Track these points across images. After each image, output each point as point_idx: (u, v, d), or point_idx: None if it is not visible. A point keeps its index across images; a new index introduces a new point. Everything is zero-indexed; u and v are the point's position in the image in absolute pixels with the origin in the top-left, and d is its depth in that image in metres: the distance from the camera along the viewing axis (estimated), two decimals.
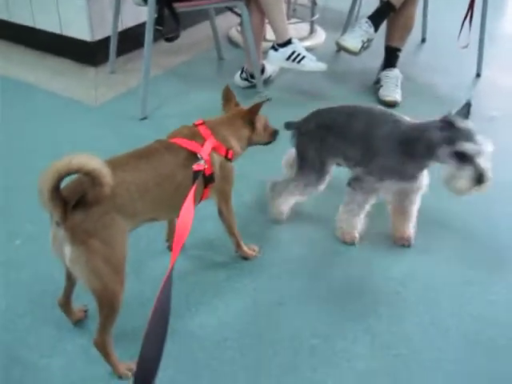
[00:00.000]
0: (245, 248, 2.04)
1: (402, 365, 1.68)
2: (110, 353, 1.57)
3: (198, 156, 1.66)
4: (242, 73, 3.22)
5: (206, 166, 1.66)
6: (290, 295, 1.91)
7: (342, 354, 1.70)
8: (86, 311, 1.81)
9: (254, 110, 1.89)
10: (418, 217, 2.15)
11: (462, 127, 1.78)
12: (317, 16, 3.94)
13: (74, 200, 1.39)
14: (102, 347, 1.55)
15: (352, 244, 2.12)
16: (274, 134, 2.04)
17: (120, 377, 1.60)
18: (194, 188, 1.52)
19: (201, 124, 1.79)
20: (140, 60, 3.39)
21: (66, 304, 1.73)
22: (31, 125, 2.88)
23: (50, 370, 1.65)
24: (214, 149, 1.74)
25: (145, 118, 2.92)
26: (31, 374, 1.63)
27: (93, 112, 3.01)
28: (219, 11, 3.81)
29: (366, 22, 2.97)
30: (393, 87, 3.13)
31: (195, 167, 1.63)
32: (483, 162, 1.77)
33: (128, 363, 1.60)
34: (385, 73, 3.19)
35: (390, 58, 3.21)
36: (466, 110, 1.88)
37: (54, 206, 1.35)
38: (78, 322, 1.78)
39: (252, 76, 3.16)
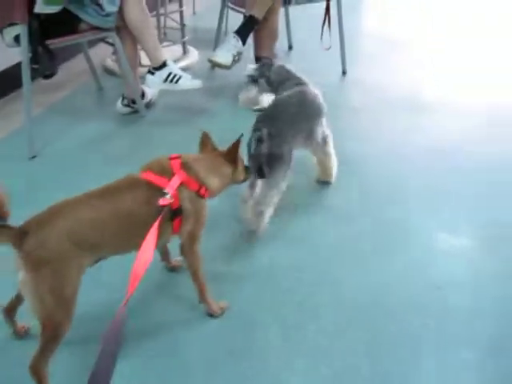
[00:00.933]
0: (210, 300, 1.90)
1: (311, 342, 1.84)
2: (44, 380, 1.54)
3: (165, 191, 1.63)
4: (122, 100, 3.31)
5: (172, 201, 1.62)
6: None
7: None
8: (26, 330, 1.81)
9: (236, 148, 1.87)
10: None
11: None
12: (187, 37, 4.10)
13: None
14: (37, 373, 1.52)
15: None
16: (247, 171, 2.02)
17: None
18: (156, 222, 1.47)
19: (175, 158, 1.76)
20: (18, 101, 3.42)
21: (9, 315, 1.77)
22: None
23: None
24: (184, 183, 1.70)
25: (34, 157, 2.93)
26: None
27: None
28: (92, 43, 3.87)
29: (234, 36, 3.16)
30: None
31: (161, 202, 1.60)
32: None
33: None
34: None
35: None
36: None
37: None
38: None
39: (133, 101, 3.26)
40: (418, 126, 3.25)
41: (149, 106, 3.39)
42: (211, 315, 1.90)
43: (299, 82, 2.53)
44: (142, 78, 3.30)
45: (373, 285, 2.07)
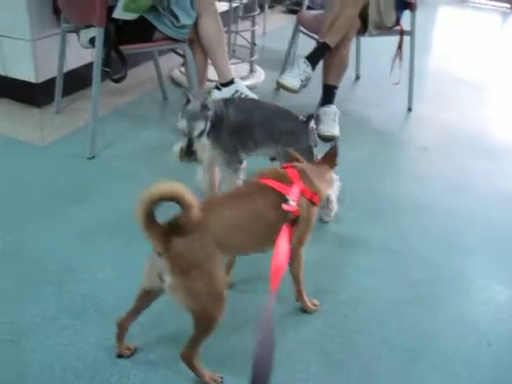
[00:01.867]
0: (306, 298, 2.03)
1: (354, 380, 1.78)
2: (197, 365, 1.66)
3: (287, 198, 1.71)
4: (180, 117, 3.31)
5: (297, 208, 1.71)
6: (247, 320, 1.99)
7: (298, 375, 1.79)
8: (132, 352, 1.81)
9: (336, 153, 2.02)
10: (363, 240, 2.31)
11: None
12: (256, 56, 4.11)
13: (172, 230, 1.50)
14: (189, 361, 1.64)
15: None
16: None
17: None
18: (285, 226, 1.64)
19: (289, 167, 1.86)
20: (85, 100, 3.49)
21: (122, 327, 1.76)
22: None
23: None
24: (301, 191, 1.78)
25: (93, 157, 2.96)
26: None
27: (40, 152, 3.03)
28: (162, 52, 3.91)
29: (304, 61, 3.13)
30: (331, 122, 3.30)
31: (286, 207, 1.69)
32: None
33: (213, 374, 1.71)
34: (323, 109, 3.36)
35: (328, 95, 3.39)
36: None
37: (149, 235, 1.47)
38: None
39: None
40: (483, 170, 3.16)
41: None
42: (305, 311, 2.03)
43: None
44: (208, 93, 3.31)
45: (423, 333, 2.00)
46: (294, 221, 1.72)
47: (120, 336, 1.77)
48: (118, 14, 2.76)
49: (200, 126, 2.22)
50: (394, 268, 2.31)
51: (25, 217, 2.47)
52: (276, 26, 5.51)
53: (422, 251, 2.43)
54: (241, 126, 2.40)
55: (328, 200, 2.50)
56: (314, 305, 2.05)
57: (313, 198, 1.82)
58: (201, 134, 2.23)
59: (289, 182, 1.77)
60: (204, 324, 1.58)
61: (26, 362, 1.78)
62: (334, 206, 2.54)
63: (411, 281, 2.25)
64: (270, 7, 5.89)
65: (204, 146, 2.26)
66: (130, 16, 2.80)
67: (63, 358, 1.80)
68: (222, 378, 1.71)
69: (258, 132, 2.42)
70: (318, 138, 2.54)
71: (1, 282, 2.10)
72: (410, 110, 3.80)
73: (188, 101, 2.23)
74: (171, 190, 1.43)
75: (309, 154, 2.38)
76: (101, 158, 2.98)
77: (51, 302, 2.01)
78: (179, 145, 2.25)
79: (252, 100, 2.59)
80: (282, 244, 1.57)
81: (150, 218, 1.44)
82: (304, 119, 2.44)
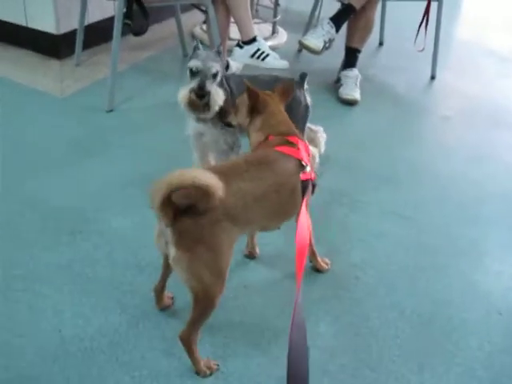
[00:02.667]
0: (319, 258, 2.01)
1: (361, 342, 1.78)
2: (194, 349, 1.59)
3: (303, 163, 1.65)
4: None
5: (312, 174, 1.66)
6: (254, 281, 1.99)
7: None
8: (172, 298, 1.84)
9: (290, 91, 1.89)
10: (378, 205, 2.30)
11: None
12: (279, 17, 4.05)
13: (184, 205, 1.40)
14: (187, 342, 1.56)
15: None
16: None
17: (198, 373, 1.62)
18: (305, 200, 1.59)
19: (279, 135, 1.73)
20: (105, 54, 3.47)
21: (159, 291, 1.78)
22: None
23: (24, 349, 1.68)
24: (305, 149, 1.72)
25: (111, 111, 2.96)
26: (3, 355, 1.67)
27: (59, 103, 3.03)
28: (184, 9, 3.86)
29: (328, 22, 3.08)
30: (352, 86, 3.25)
31: (303, 176, 1.63)
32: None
33: (209, 361, 1.64)
34: (345, 72, 3.31)
35: (350, 58, 3.34)
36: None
37: (163, 215, 1.37)
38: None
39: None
40: (506, 142, 3.11)
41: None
42: (319, 271, 2.02)
43: None
44: (229, 52, 3.28)
45: (433, 299, 1.99)
46: (314, 184, 1.69)
47: (159, 300, 1.80)
48: None
49: (216, 66, 2.03)
50: (406, 234, 2.30)
51: (43, 167, 2.49)
52: None
53: (438, 219, 2.41)
54: None
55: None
56: (326, 263, 2.04)
57: (308, 151, 1.76)
58: (215, 76, 2.03)
59: (296, 146, 1.69)
60: (203, 303, 1.51)
61: (39, 306, 1.81)
62: (315, 163, 2.47)
63: (424, 247, 2.23)
64: None
65: (218, 89, 2.04)
66: None
67: (75, 305, 1.82)
68: (218, 365, 1.65)
69: None
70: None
71: (17, 230, 2.13)
72: (433, 77, 3.73)
73: (197, 47, 2.08)
74: (196, 178, 1.32)
75: (306, 114, 2.32)
76: (119, 111, 2.98)
77: (65, 251, 2.04)
78: (189, 86, 2.03)
79: (246, 75, 2.40)
80: (304, 220, 1.49)
81: (166, 202, 1.35)
82: (298, 80, 2.31)
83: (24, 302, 1.82)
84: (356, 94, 3.24)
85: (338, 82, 3.37)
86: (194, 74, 2.03)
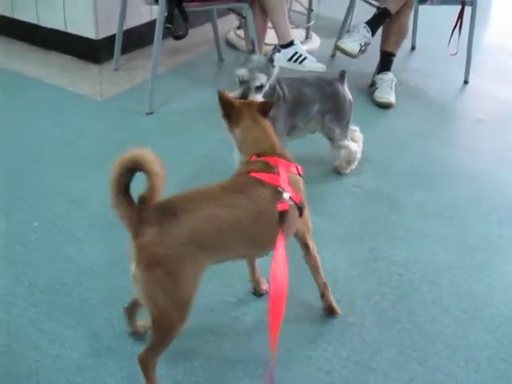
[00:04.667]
0: (332, 297, 1.83)
1: (406, 337, 1.81)
2: (151, 375, 1.48)
3: (279, 190, 1.51)
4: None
5: (291, 203, 1.51)
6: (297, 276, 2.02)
7: (352, 327, 1.83)
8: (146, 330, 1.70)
9: (269, 109, 1.69)
10: (416, 205, 2.34)
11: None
12: (312, 22, 4.09)
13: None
14: (145, 366, 1.47)
15: None
16: None
17: None
18: (280, 235, 1.43)
19: (261, 156, 1.61)
20: (142, 59, 3.55)
21: (130, 313, 1.68)
22: (37, 116, 2.94)
23: (76, 339, 1.73)
24: (289, 170, 1.59)
25: (151, 113, 3.02)
26: (57, 344, 1.72)
27: (99, 106, 3.10)
28: (218, 15, 3.92)
29: (364, 26, 3.12)
30: (388, 90, 3.28)
31: (280, 207, 1.48)
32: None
33: None
34: (380, 76, 3.35)
35: (385, 62, 3.37)
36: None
37: (119, 212, 1.33)
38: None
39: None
40: None
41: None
42: (331, 312, 1.84)
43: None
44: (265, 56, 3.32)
45: (476, 297, 2.01)
46: (301, 207, 1.57)
47: (130, 320, 1.70)
48: None
49: (262, 78, 2.08)
50: (446, 233, 2.32)
51: (87, 167, 2.55)
52: None
53: (475, 219, 2.43)
54: (296, 104, 2.31)
55: (351, 152, 2.50)
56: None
57: (298, 169, 1.64)
58: (260, 88, 2.09)
59: (275, 169, 1.55)
60: (161, 330, 1.43)
61: (88, 300, 1.86)
62: (357, 159, 2.55)
63: (464, 247, 2.25)
64: None
65: (259, 99, 2.07)
66: None
67: (123, 299, 1.85)
68: None
69: (311, 106, 2.38)
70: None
71: (67, 226, 2.19)
72: (466, 82, 3.74)
73: (253, 51, 2.16)
74: (135, 155, 1.29)
75: (350, 109, 2.42)
76: (158, 113, 3.04)
77: (113, 247, 2.08)
78: (232, 94, 2.01)
79: (295, 78, 2.47)
80: (280, 258, 1.34)
81: (121, 194, 1.31)
82: (338, 77, 2.43)
83: (73, 296, 1.88)
84: (391, 98, 3.27)
85: (372, 85, 3.41)
86: (240, 82, 2.10)
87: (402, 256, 2.16)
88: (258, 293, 1.92)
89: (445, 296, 1.99)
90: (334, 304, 1.83)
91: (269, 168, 1.55)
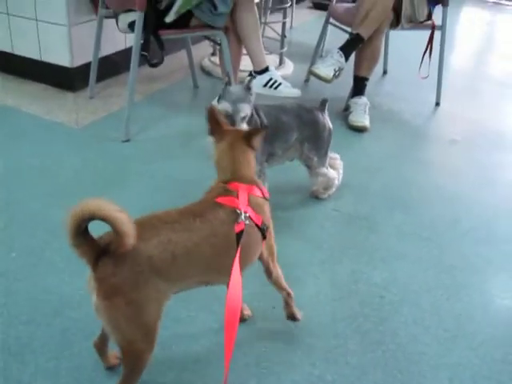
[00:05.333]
0: (294, 307, 1.83)
1: (390, 358, 1.82)
2: None
3: (237, 211, 1.50)
4: (219, 98, 3.36)
5: (247, 223, 1.50)
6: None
7: (336, 350, 1.83)
8: (121, 359, 1.61)
9: (256, 136, 1.65)
10: (394, 227, 2.36)
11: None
12: (285, 48, 4.15)
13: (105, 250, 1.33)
14: None
15: None
16: None
17: None
18: (237, 255, 1.42)
19: (224, 182, 1.60)
20: (118, 86, 3.57)
21: (100, 346, 1.65)
22: (14, 145, 2.93)
23: (58, 371, 1.71)
24: (250, 193, 1.58)
25: (127, 141, 3.02)
26: (39, 376, 1.69)
27: (76, 134, 3.09)
28: (193, 41, 3.96)
29: (338, 52, 3.17)
30: (362, 113, 3.34)
31: (236, 228, 1.48)
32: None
33: None
34: (354, 100, 3.40)
35: (359, 86, 3.43)
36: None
37: (78, 252, 1.32)
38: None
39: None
40: (510, 164, 3.20)
41: None
42: (295, 319, 1.85)
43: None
44: (240, 83, 3.36)
45: (456, 315, 2.03)
46: (263, 230, 1.57)
47: (102, 356, 1.67)
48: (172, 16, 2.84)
49: (246, 109, 2.10)
50: (425, 254, 2.35)
51: (65, 195, 2.52)
52: (302, 21, 5.57)
53: (452, 240, 2.46)
54: (274, 131, 2.29)
55: (329, 179, 2.52)
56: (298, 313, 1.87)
57: (263, 192, 1.64)
58: (244, 119, 2.10)
59: (234, 193, 1.55)
60: (130, 359, 1.43)
61: (69, 330, 1.83)
62: (335, 185, 2.57)
63: (442, 267, 2.28)
64: (298, 1, 5.92)
65: None
66: (184, 9, 2.86)
67: None
68: None
69: (289, 134, 2.38)
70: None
71: (46, 256, 2.16)
72: (437, 104, 3.83)
73: (229, 82, 2.17)
74: (101, 209, 1.24)
75: (329, 138, 2.44)
76: (135, 141, 3.04)
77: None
78: None
79: (273, 105, 2.47)
80: (235, 281, 1.34)
81: (79, 236, 1.29)
82: (319, 106, 2.44)
83: (55, 326, 1.85)
84: (366, 121, 3.33)
85: (347, 109, 3.46)
86: (224, 117, 2.03)
87: (382, 277, 2.18)
88: (241, 318, 1.90)
89: (426, 316, 2.01)
90: (296, 312, 1.84)
91: (227, 192, 1.56)
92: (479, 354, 1.87)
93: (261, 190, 1.63)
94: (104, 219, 1.25)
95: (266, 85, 3.10)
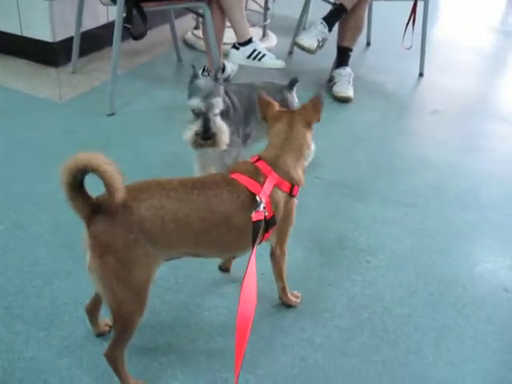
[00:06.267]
0: (289, 295, 1.85)
1: (378, 321, 1.86)
2: (121, 369, 1.51)
3: (257, 199, 1.48)
4: (203, 71, 3.35)
5: (266, 213, 1.48)
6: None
7: (324, 314, 1.86)
8: (110, 327, 1.70)
9: (319, 108, 1.68)
10: (379, 194, 2.38)
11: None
12: (269, 21, 4.13)
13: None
14: (113, 361, 1.50)
15: None
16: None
17: None
18: (254, 253, 1.38)
19: (258, 160, 1.59)
20: (100, 61, 3.55)
21: (92, 312, 1.67)
22: None
23: (49, 340, 1.72)
24: (277, 185, 1.55)
25: (112, 114, 3.00)
26: (31, 345, 1.70)
27: (59, 109, 3.07)
28: (176, 15, 3.93)
29: (321, 22, 3.17)
30: (346, 84, 3.35)
31: (254, 216, 1.45)
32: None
33: (139, 381, 1.57)
34: (338, 71, 3.41)
35: (342, 57, 3.43)
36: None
37: (73, 206, 1.33)
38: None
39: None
40: (495, 132, 3.25)
41: (227, 80, 3.43)
42: (290, 306, 1.87)
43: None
44: (225, 55, 3.35)
45: (441, 279, 2.07)
46: (269, 223, 1.53)
47: (93, 320, 1.69)
48: None
49: (218, 103, 2.00)
50: (410, 220, 2.38)
51: (55, 170, 2.51)
52: None
53: (437, 206, 2.50)
54: (248, 111, 2.24)
55: None
56: (296, 297, 1.89)
57: (293, 190, 1.60)
58: (218, 114, 2.01)
59: (261, 178, 1.53)
60: (120, 320, 1.44)
61: (59, 300, 1.85)
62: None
63: (427, 232, 2.32)
64: None
65: (222, 127, 2.01)
66: None
67: None
68: None
69: (257, 115, 2.26)
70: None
71: (34, 229, 2.16)
72: (421, 75, 3.84)
73: (195, 75, 2.04)
74: (92, 160, 1.28)
75: None
76: (120, 114, 3.03)
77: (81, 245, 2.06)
78: (193, 128, 1.99)
79: (243, 84, 2.40)
80: (249, 285, 1.29)
81: (74, 190, 1.31)
82: (287, 84, 2.40)
83: (45, 296, 1.86)
84: (350, 92, 3.34)
85: (331, 80, 3.47)
86: (196, 114, 2.00)
87: (368, 244, 2.21)
88: (226, 270, 1.99)
89: (412, 280, 2.05)
90: (291, 300, 1.86)
91: (255, 174, 1.54)
92: (463, 315, 1.91)
93: (292, 187, 1.59)
94: (94, 170, 1.27)
95: (249, 56, 3.08)
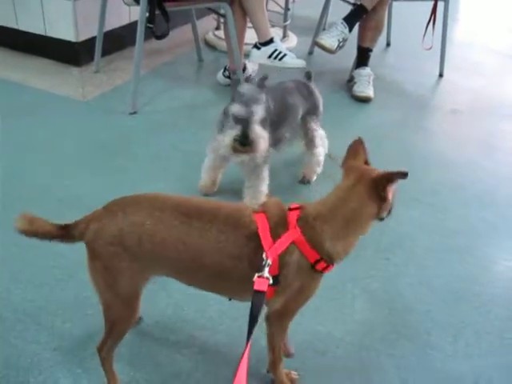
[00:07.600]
0: (281, 370, 1.56)
1: (397, 317, 1.87)
2: (107, 368, 1.54)
3: (263, 257, 1.25)
4: (224, 71, 3.39)
5: (271, 282, 1.23)
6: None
7: (344, 309, 1.88)
8: (140, 317, 1.76)
9: (389, 178, 1.36)
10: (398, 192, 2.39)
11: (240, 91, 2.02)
12: (289, 21, 4.16)
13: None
14: (101, 357, 1.52)
15: None
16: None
17: None
18: (248, 348, 1.14)
19: (296, 209, 1.34)
20: (123, 60, 3.60)
21: None
22: (22, 119, 2.95)
23: (74, 331, 1.76)
24: (296, 244, 1.28)
25: (134, 113, 3.05)
26: (56, 337, 1.75)
27: (82, 107, 3.12)
28: (197, 16, 3.97)
29: (342, 23, 3.18)
30: (366, 84, 3.36)
31: (256, 283, 1.22)
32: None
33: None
34: (358, 71, 3.42)
35: (362, 57, 3.44)
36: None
37: (65, 242, 1.43)
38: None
39: (234, 73, 3.33)
40: None
41: (248, 80, 3.44)
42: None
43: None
44: (245, 55, 3.38)
45: (460, 277, 2.09)
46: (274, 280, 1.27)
47: None
48: None
49: (259, 111, 1.99)
50: (429, 218, 2.40)
51: (79, 167, 2.57)
52: None
53: (456, 205, 2.51)
54: (282, 116, 2.25)
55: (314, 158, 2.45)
56: (291, 380, 1.60)
57: (319, 262, 1.30)
58: (258, 121, 2.00)
59: (283, 229, 1.29)
60: (108, 323, 1.46)
61: (82, 293, 1.88)
62: (318, 166, 2.51)
63: (446, 231, 2.33)
64: None
65: (262, 134, 2.00)
66: None
67: None
68: None
69: (297, 115, 2.36)
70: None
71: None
72: (441, 75, 3.84)
73: (238, 81, 2.11)
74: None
75: (317, 110, 2.44)
76: (142, 113, 3.07)
77: None
78: (231, 134, 1.98)
79: (277, 87, 2.39)
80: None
81: (52, 237, 1.41)
82: (304, 79, 2.44)
83: (69, 288, 1.91)
84: (369, 92, 3.35)
85: (351, 80, 3.49)
86: (237, 120, 2.00)
87: (388, 242, 2.23)
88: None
89: (431, 277, 2.06)
90: (284, 379, 1.58)
91: (278, 222, 1.31)
92: (482, 312, 1.93)
93: (320, 259, 1.30)
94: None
95: (270, 56, 3.11)
